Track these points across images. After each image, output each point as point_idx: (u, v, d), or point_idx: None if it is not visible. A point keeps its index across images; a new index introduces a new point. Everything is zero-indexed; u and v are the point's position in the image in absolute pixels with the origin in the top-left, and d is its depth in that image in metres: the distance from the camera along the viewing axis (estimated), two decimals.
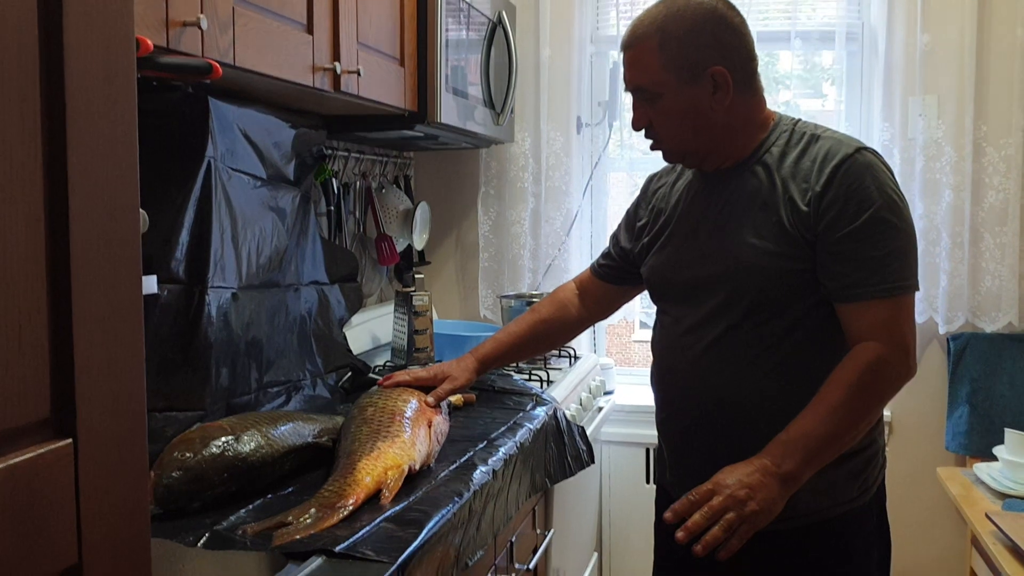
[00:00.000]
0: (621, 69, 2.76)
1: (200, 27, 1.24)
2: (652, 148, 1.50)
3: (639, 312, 3.16)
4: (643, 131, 1.49)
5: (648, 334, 1.64)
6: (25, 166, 0.55)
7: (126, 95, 0.63)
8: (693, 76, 1.39)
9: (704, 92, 1.40)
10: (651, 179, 1.68)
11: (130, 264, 0.64)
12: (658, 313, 1.58)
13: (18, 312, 0.55)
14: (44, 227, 0.57)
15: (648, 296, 1.67)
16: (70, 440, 0.58)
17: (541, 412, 1.85)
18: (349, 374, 2.08)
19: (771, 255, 1.38)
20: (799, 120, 1.48)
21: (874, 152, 1.39)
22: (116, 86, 0.62)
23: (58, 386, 0.58)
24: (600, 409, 2.51)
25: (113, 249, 0.62)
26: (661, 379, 1.56)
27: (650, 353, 1.60)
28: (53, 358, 0.57)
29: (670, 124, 1.44)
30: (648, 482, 2.80)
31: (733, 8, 1.43)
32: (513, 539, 1.69)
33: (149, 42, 1.10)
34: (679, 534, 1.24)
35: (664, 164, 1.64)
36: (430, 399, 1.58)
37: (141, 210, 0.67)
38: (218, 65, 1.22)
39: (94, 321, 0.60)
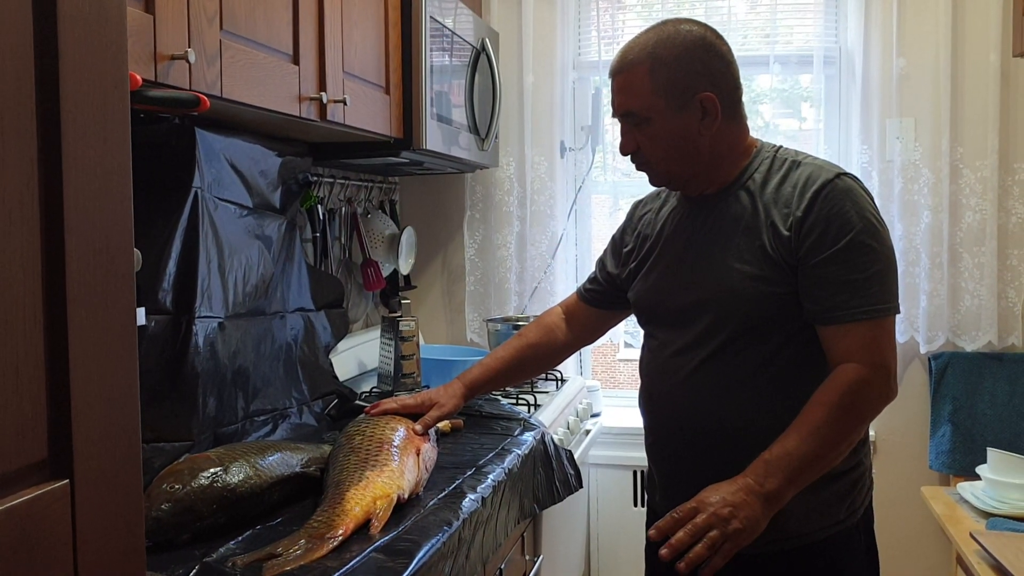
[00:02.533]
0: (603, 94, 2.82)
1: (188, 60, 1.25)
2: (638, 169, 1.52)
3: (623, 333, 3.17)
4: (630, 156, 1.51)
5: (632, 353, 1.65)
6: (23, 207, 0.56)
7: (120, 136, 0.64)
8: (682, 102, 1.42)
9: (693, 118, 1.43)
10: (636, 205, 1.70)
11: (125, 304, 0.64)
12: (645, 337, 1.60)
13: (15, 354, 0.55)
14: (41, 269, 0.57)
15: (632, 317, 1.69)
16: (67, 481, 0.58)
17: (529, 437, 1.85)
18: (335, 401, 2.07)
19: (755, 279, 1.40)
20: (780, 147, 1.51)
21: (853, 177, 1.42)
22: (110, 127, 0.63)
23: (55, 427, 0.58)
24: (587, 432, 2.51)
25: (109, 291, 0.62)
26: (650, 402, 1.57)
27: (636, 372, 1.61)
28: (50, 399, 0.58)
29: (658, 149, 1.46)
30: (636, 505, 2.80)
31: (721, 37, 1.46)
32: (503, 566, 1.69)
33: (138, 77, 1.11)
34: (663, 551, 1.26)
35: (649, 190, 1.66)
36: (418, 427, 1.59)
37: (135, 249, 0.68)
38: (205, 98, 1.23)
39: (90, 362, 0.60)
